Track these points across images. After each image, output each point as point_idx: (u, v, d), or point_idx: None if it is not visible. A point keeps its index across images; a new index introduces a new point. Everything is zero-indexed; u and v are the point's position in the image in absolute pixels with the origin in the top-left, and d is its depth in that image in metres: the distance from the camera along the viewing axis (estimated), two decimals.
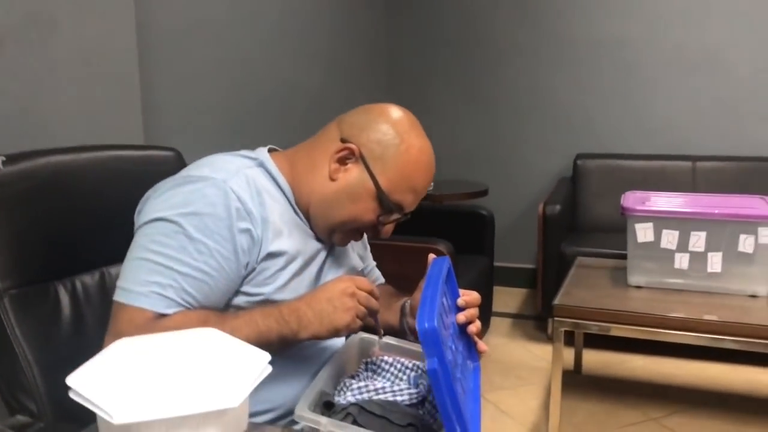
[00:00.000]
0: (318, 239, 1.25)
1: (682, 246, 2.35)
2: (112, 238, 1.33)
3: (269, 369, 0.83)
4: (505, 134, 4.04)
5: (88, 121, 1.74)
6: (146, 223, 1.10)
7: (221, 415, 0.74)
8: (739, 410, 2.62)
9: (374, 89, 4.05)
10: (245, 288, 1.15)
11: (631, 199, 2.47)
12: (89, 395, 0.73)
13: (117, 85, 1.84)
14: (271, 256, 1.14)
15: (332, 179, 1.19)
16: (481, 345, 1.25)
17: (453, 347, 1.12)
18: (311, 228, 1.24)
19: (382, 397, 1.12)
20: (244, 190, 1.13)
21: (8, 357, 1.15)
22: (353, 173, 1.18)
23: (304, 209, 1.23)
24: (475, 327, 1.22)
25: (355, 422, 1.04)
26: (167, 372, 0.79)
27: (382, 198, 1.18)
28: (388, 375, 1.20)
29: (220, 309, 1.13)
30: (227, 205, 1.09)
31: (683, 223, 2.34)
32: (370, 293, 1.14)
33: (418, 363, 1.23)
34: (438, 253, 2.47)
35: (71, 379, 0.78)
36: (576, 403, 2.67)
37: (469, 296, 1.24)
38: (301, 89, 3.08)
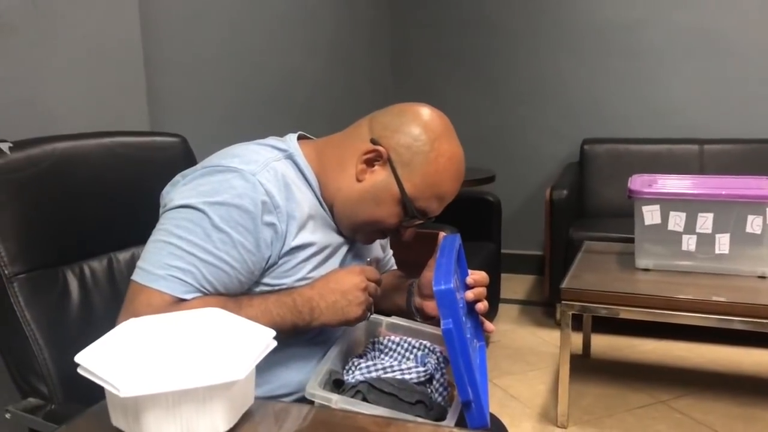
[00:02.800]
0: (341, 233, 1.25)
1: (690, 228, 2.35)
2: (119, 224, 1.35)
3: (274, 344, 0.84)
4: (511, 120, 4.03)
5: (94, 108, 1.75)
6: (173, 208, 1.10)
7: (227, 388, 0.75)
8: (748, 392, 2.62)
9: (378, 76, 4.04)
10: (266, 279, 1.14)
11: (638, 182, 2.46)
12: (97, 371, 0.75)
13: (122, 72, 1.85)
14: (294, 250, 1.15)
15: (358, 180, 1.18)
16: (489, 325, 1.25)
17: (464, 321, 1.12)
18: (335, 222, 1.24)
19: (390, 375, 1.13)
20: (273, 183, 1.12)
21: (19, 341, 1.17)
22: (380, 176, 1.17)
23: (329, 204, 1.22)
24: (483, 305, 1.22)
25: (364, 399, 1.05)
26: (173, 348, 0.80)
27: (406, 204, 1.16)
28: (395, 354, 1.21)
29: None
30: (254, 198, 1.09)
31: (690, 204, 2.33)
32: (377, 282, 1.17)
33: (425, 342, 1.23)
34: None
35: (80, 357, 0.79)
36: (584, 387, 2.67)
37: (477, 275, 1.24)
38: (303, 76, 3.08)
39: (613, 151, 3.67)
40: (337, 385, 1.11)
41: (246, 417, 0.83)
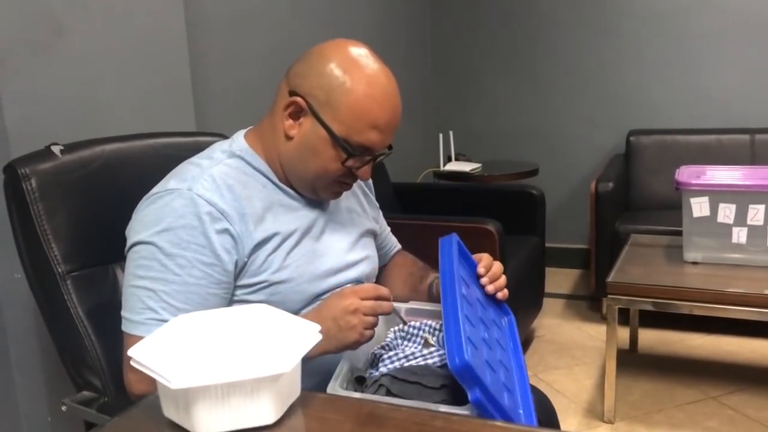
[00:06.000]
0: (311, 207, 1.23)
1: (740, 220, 2.29)
2: None
3: (319, 337, 0.85)
4: (555, 112, 3.98)
5: (142, 108, 1.79)
6: (129, 249, 1.12)
7: (274, 380, 0.76)
8: None
9: (418, 70, 4.04)
10: (242, 281, 1.14)
11: (686, 174, 2.41)
12: (149, 364, 0.77)
13: (168, 72, 1.88)
14: (260, 245, 1.13)
15: (289, 137, 1.16)
16: (501, 296, 1.25)
17: (485, 325, 1.12)
18: (300, 194, 1.22)
19: (413, 362, 1.12)
20: (212, 191, 1.11)
21: (73, 336, 1.21)
22: (306, 126, 1.14)
23: (283, 178, 1.21)
24: (502, 294, 1.23)
25: (389, 392, 1.04)
26: (222, 342, 0.82)
27: (341, 145, 1.13)
28: (418, 339, 1.21)
29: None
30: (197, 213, 1.08)
31: (740, 196, 2.28)
32: (377, 298, 1.11)
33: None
34: (487, 233, 2.47)
35: (133, 351, 0.81)
36: (632, 382, 2.63)
37: (485, 261, 1.24)
38: None
39: (660, 142, 3.59)
40: (359, 382, 1.10)
41: (293, 409, 0.84)
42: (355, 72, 1.12)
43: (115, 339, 1.20)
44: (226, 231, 1.10)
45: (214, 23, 2.22)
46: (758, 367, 2.75)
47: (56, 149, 1.26)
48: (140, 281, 1.08)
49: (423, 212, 3.01)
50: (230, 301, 1.14)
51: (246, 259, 1.12)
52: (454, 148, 3.73)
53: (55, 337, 1.24)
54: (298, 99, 1.13)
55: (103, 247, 1.28)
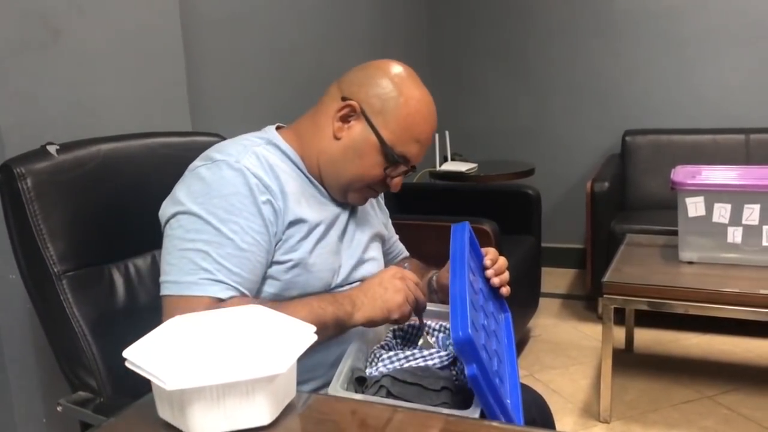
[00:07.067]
0: (336, 204, 1.28)
1: (735, 220, 2.30)
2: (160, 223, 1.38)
3: (314, 338, 0.85)
4: (550, 112, 3.99)
5: (138, 108, 1.78)
6: (173, 217, 1.13)
7: (269, 381, 0.77)
8: None
9: (414, 68, 4.03)
10: (276, 257, 1.17)
11: (681, 174, 2.42)
12: (144, 365, 0.77)
13: (164, 73, 1.88)
14: (294, 223, 1.18)
15: (337, 138, 1.22)
16: (505, 289, 1.28)
17: (485, 314, 1.12)
18: (328, 192, 1.27)
19: (413, 363, 1.12)
20: (257, 166, 1.16)
21: (68, 336, 1.20)
22: (356, 129, 1.21)
23: (316, 174, 1.26)
24: (505, 290, 1.26)
25: (389, 394, 1.04)
26: (217, 343, 0.82)
27: (387, 151, 1.20)
28: (417, 339, 1.21)
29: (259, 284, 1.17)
30: (246, 183, 1.12)
31: (736, 196, 2.28)
32: (417, 285, 1.18)
33: (444, 324, 1.23)
34: (483, 233, 2.47)
35: (128, 352, 0.81)
36: (627, 382, 2.63)
37: (492, 254, 1.26)
38: (341, 73, 3.09)
39: (655, 142, 3.60)
40: (360, 382, 1.10)
41: (288, 409, 0.84)
42: (407, 90, 1.22)
43: (110, 339, 1.20)
44: (269, 203, 1.14)
45: (209, 24, 2.22)
46: (753, 366, 2.76)
47: (52, 149, 1.26)
48: (191, 244, 1.10)
49: (419, 212, 3.00)
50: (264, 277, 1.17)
51: (282, 235, 1.17)
52: (450, 148, 3.73)
53: (50, 337, 1.24)
54: (354, 103, 1.20)
55: (99, 247, 1.28)
